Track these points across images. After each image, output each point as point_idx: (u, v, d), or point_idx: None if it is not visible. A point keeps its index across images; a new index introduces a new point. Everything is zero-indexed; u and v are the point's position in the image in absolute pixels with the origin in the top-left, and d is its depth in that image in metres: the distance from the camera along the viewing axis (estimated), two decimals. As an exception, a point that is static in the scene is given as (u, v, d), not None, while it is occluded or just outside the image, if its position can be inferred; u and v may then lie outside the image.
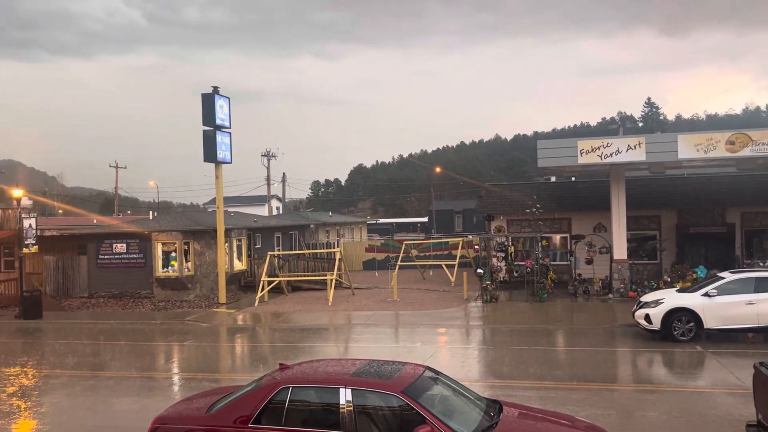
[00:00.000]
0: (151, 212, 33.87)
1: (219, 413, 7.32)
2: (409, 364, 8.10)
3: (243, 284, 30.42)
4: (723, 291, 16.10)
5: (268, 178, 61.53)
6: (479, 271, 25.83)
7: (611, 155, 22.24)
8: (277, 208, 74.50)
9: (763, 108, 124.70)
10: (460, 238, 32.08)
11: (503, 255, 27.63)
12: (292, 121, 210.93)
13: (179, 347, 18.97)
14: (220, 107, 26.61)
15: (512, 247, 27.54)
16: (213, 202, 79.82)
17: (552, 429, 7.26)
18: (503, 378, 13.57)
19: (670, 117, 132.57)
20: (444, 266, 30.33)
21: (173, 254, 27.72)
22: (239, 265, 29.81)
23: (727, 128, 25.34)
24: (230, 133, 27.42)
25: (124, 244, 28.54)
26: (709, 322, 16.03)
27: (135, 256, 28.51)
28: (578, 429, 7.28)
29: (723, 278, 16.67)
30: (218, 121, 26.44)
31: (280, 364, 8.12)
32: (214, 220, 28.52)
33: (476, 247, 30.99)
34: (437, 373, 8.02)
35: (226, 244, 27.63)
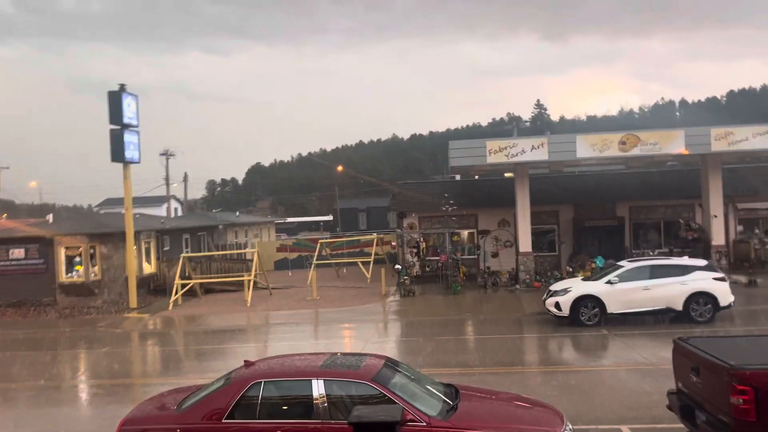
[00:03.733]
0: (50, 215, 31.95)
1: (191, 411, 7.45)
2: (369, 355, 8.58)
3: (153, 288, 29.51)
4: (623, 278, 17.72)
5: (167, 178, 59.45)
6: (397, 266, 26.65)
7: (517, 155, 23.70)
8: (176, 209, 72.08)
9: (636, 110, 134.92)
10: (374, 236, 32.80)
11: (416, 251, 28.62)
12: (182, 118, 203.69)
13: (97, 355, 18.30)
14: (128, 105, 25.74)
15: (424, 243, 28.59)
16: (106, 203, 76.18)
17: (504, 406, 8.01)
18: (429, 366, 14.28)
19: (554, 118, 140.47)
20: (360, 263, 30.92)
21: (78, 259, 26.47)
22: (149, 269, 28.92)
23: (606, 129, 27.54)
24: (138, 131, 26.58)
25: (23, 249, 26.86)
26: (612, 307, 17.60)
27: (35, 261, 26.90)
28: (526, 404, 8.07)
29: (622, 267, 18.34)
30: (126, 120, 25.58)
31: (246, 361, 8.34)
32: (118, 223, 27.49)
33: (393, 244, 31.84)
34: (396, 362, 8.55)
35: (135, 247, 26.75)
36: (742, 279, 23.04)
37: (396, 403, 6.91)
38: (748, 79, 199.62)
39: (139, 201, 69.38)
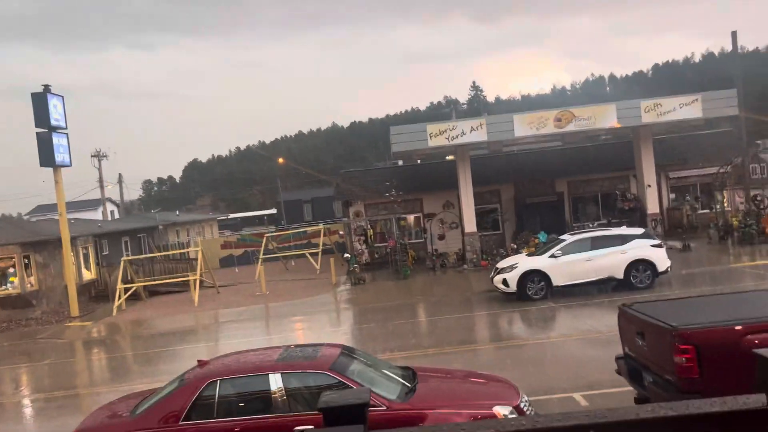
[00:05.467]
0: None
1: (146, 415, 7.28)
2: (325, 345, 8.56)
3: (94, 294, 28.56)
4: (566, 251, 18.24)
5: (101, 180, 57.45)
6: (346, 255, 26.63)
7: (457, 137, 23.98)
8: (112, 212, 69.82)
9: (568, 87, 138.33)
10: (321, 226, 32.63)
11: (364, 238, 28.66)
12: (112, 118, 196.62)
13: (39, 367, 17.60)
14: (54, 107, 24.68)
15: (371, 230, 28.65)
16: (38, 210, 73.03)
17: (461, 383, 8.14)
18: (385, 351, 14.38)
19: (491, 99, 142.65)
20: (308, 255, 30.74)
21: (12, 270, 25.33)
22: (89, 275, 27.98)
23: (540, 107, 28.17)
24: (67, 134, 25.55)
25: (-50, 264, 25.52)
26: (557, 280, 18.10)
27: (-36, 276, 25.62)
28: (482, 379, 8.23)
29: (564, 240, 18.87)
30: (53, 122, 24.53)
31: (199, 361, 8.18)
32: (52, 229, 26.43)
33: (340, 233, 31.77)
34: (352, 349, 8.56)
35: (73, 254, 25.80)
36: (677, 244, 24.05)
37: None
38: (671, 53, 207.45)
39: (73, 206, 66.82)
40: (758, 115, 36.23)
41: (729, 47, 32.01)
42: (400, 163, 36.56)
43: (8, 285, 25.37)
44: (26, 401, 14.06)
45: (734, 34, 26.44)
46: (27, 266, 25.53)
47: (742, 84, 24.93)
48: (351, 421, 1.77)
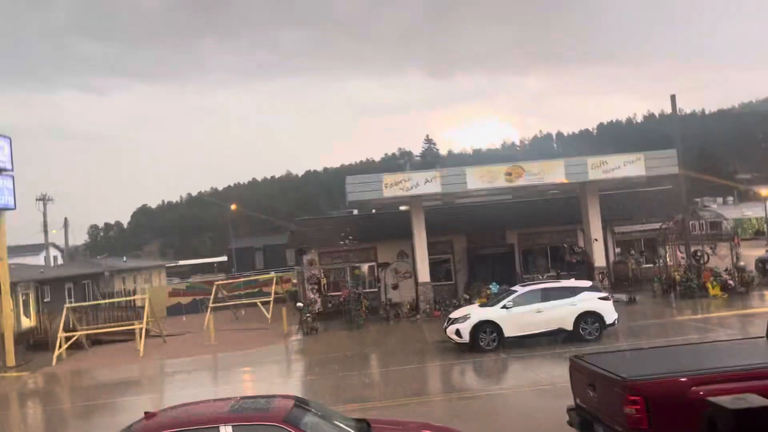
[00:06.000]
0: None
1: (88, 472, 6.95)
2: (277, 397, 8.40)
3: (33, 343, 27.29)
4: (517, 303, 18.47)
5: (45, 225, 55.70)
6: (299, 304, 26.30)
7: (412, 188, 24.36)
8: (55, 257, 67.45)
9: (517, 143, 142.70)
10: (273, 275, 32.22)
11: (317, 287, 28.43)
12: (59, 161, 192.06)
13: (-30, 421, 16.61)
14: (0, 148, 24.03)
15: (325, 279, 28.46)
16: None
17: (418, 436, 8.07)
18: (337, 403, 14.13)
19: (443, 152, 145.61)
20: (259, 304, 30.21)
21: (-56, 316, 24.04)
22: (28, 322, 26.82)
23: (490, 162, 28.86)
24: (13, 176, 24.82)
25: None
26: (509, 331, 18.24)
27: None
28: (436, 431, 8.19)
29: (515, 291, 19.14)
30: (-2, 164, 23.84)
31: (146, 413, 7.89)
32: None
33: (293, 281, 31.43)
34: (305, 401, 8.42)
35: (12, 300, 24.71)
36: (623, 297, 24.67)
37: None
38: (614, 113, 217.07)
39: (14, 250, 64.31)
40: (697, 173, 38.04)
41: (669, 109, 33.77)
42: (356, 212, 36.72)
43: (-61, 333, 24.04)
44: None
45: (673, 98, 27.95)
46: (-39, 313, 24.29)
47: (681, 144, 26.24)
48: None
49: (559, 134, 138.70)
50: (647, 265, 30.09)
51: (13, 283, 25.17)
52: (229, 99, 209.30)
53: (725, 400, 1.52)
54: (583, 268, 27.01)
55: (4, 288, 23.88)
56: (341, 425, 7.83)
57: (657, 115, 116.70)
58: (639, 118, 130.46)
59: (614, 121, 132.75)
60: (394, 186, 24.16)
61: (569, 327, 18.09)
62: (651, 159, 24.99)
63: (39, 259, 57.10)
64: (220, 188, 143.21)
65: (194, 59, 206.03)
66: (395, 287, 28.11)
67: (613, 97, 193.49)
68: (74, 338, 25.16)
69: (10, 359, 23.79)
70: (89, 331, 26.77)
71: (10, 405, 18.59)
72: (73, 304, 27.26)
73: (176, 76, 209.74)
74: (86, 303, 31.08)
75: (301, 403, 8.03)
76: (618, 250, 31.86)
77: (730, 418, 1.46)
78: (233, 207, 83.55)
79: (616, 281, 29.27)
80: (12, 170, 24.79)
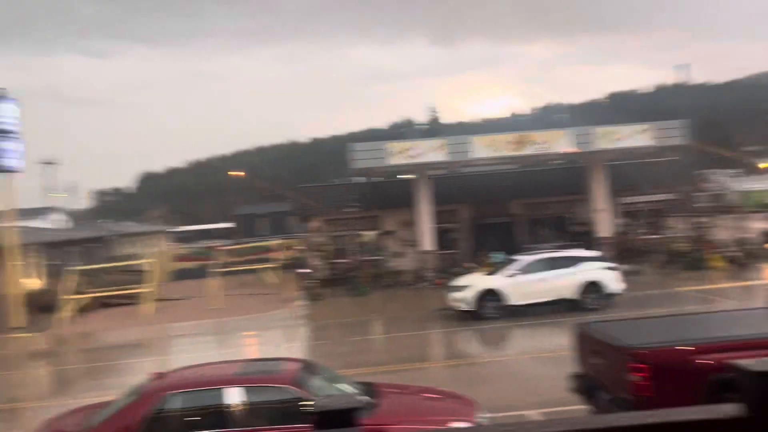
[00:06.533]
0: None
1: (99, 429, 7.08)
2: (286, 359, 8.51)
3: (41, 305, 27.53)
4: (521, 272, 18.56)
5: (50, 188, 55.79)
6: (304, 271, 26.45)
7: (417, 156, 24.25)
8: (61, 221, 67.73)
9: (525, 112, 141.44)
10: (278, 241, 32.35)
11: (322, 254, 28.54)
12: (62, 125, 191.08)
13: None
14: (7, 110, 23.94)
15: (329, 246, 28.56)
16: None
17: (422, 399, 8.20)
18: (342, 367, 14.27)
19: (449, 120, 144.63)
20: (264, 269, 30.38)
21: (-48, 277, 24.29)
22: (35, 285, 27.01)
23: (497, 131, 28.62)
24: (20, 138, 24.78)
25: None
26: (513, 299, 18.36)
27: None
28: (442, 395, 8.30)
29: (520, 261, 19.21)
30: (5, 126, 23.78)
31: (155, 373, 8.02)
32: (-2, 237, 25.47)
33: (298, 248, 31.57)
34: (313, 364, 8.53)
35: (19, 262, 24.90)
36: (627, 268, 24.71)
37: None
38: (623, 83, 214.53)
39: (21, 213, 64.67)
40: (705, 145, 37.75)
41: (679, 80, 33.37)
42: (360, 180, 36.62)
43: (-52, 293, 24.30)
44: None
45: (684, 68, 27.65)
46: (-32, 274, 24.53)
47: (691, 115, 26.01)
48: (344, 424, 1.81)
49: (568, 104, 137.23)
50: (652, 236, 30.09)
51: (21, 245, 25.32)
52: (233, 64, 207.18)
53: (749, 363, 1.52)
54: (587, 238, 27.02)
55: (11, 250, 24.04)
56: (348, 388, 7.95)
57: (667, 86, 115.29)
58: (649, 89, 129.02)
59: (624, 91, 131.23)
60: (400, 154, 24.07)
61: (573, 296, 18.19)
62: (659, 130, 24.79)
63: (44, 223, 57.42)
64: (227, 154, 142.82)
65: (197, 23, 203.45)
66: (399, 255, 28.21)
67: (622, 67, 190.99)
68: (81, 301, 25.41)
69: (18, 320, 24.07)
70: (96, 294, 27.01)
71: (18, 365, 18.87)
72: (80, 267, 27.43)
73: (179, 40, 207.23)
74: (92, 266, 31.29)
75: (308, 366, 8.14)
76: (623, 220, 31.82)
77: (755, 380, 1.46)
78: (238, 173, 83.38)
79: (620, 252, 29.27)
80: (19, 133, 24.73)
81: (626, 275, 23.40)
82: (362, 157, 24.21)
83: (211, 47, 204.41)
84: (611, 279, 18.38)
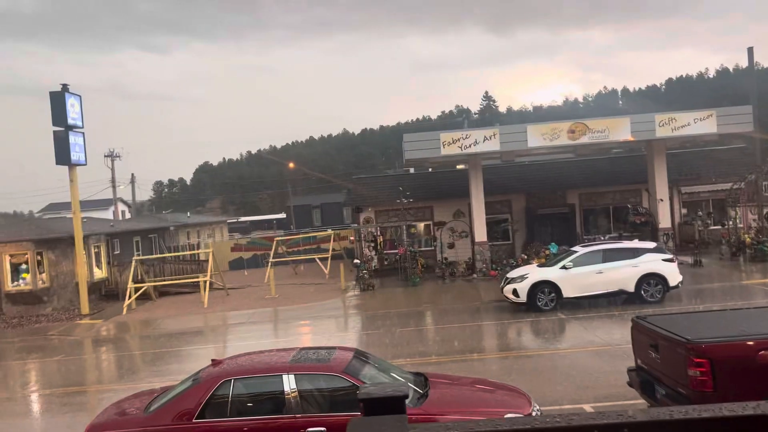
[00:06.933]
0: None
1: (160, 413, 7.33)
2: (338, 348, 8.60)
3: (105, 293, 28.74)
4: (577, 263, 18.20)
5: (113, 181, 57.86)
6: (356, 261, 26.66)
7: (470, 146, 24.00)
8: (123, 212, 70.25)
9: (580, 100, 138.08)
10: (331, 232, 32.70)
11: (374, 245, 28.69)
12: (123, 119, 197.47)
13: (50, 363, 17.73)
14: (71, 106, 24.94)
15: (381, 237, 28.68)
16: (50, 208, 73.66)
17: (473, 390, 8.15)
18: (393, 357, 14.38)
19: (503, 109, 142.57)
20: (317, 260, 30.79)
21: (24, 266, 25.55)
22: (99, 273, 28.15)
23: (552, 119, 28.09)
24: (83, 133, 25.80)
25: (-37, 260, 25.77)
26: (567, 292, 18.05)
27: (-23, 271, 25.84)
28: (494, 387, 8.24)
29: (575, 252, 18.83)
30: (70, 121, 24.79)
31: (213, 360, 8.24)
32: (65, 227, 26.63)
33: (351, 239, 31.83)
34: (365, 353, 8.59)
35: (85, 252, 26.00)
36: (688, 260, 23.94)
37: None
38: (683, 68, 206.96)
39: (85, 205, 67.33)
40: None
41: (744, 63, 31.92)
42: (412, 170, 36.61)
43: (20, 281, 25.59)
44: (36, 397, 14.16)
45: (750, 51, 26.38)
46: (39, 263, 25.75)
47: (757, 100, 24.84)
48: (391, 411, 1.82)
49: (625, 90, 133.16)
50: (715, 227, 29.01)
51: (86, 236, 26.41)
52: (287, 57, 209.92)
53: None
54: (646, 229, 26.25)
55: (77, 240, 25.10)
56: (399, 377, 7.98)
57: (731, 70, 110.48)
58: (711, 73, 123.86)
59: (684, 76, 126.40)
60: (452, 144, 23.88)
61: (630, 288, 17.74)
62: (723, 116, 23.80)
63: (107, 214, 59.64)
64: (278, 146, 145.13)
65: (253, 17, 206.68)
66: (451, 246, 28.09)
67: (683, 51, 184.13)
68: (142, 289, 26.34)
69: (85, 307, 25.14)
70: (156, 283, 27.95)
71: (85, 349, 19.72)
72: (141, 257, 28.44)
73: (235, 34, 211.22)
74: (153, 256, 32.37)
75: (360, 355, 8.21)
76: (685, 211, 30.79)
77: None
78: (291, 165, 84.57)
79: (681, 243, 28.38)
80: (82, 127, 25.73)
81: (689, 267, 22.71)
82: (414, 148, 24.14)
83: (266, 41, 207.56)
84: (671, 271, 17.82)
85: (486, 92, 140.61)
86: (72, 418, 11.72)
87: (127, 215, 66.05)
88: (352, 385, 7.10)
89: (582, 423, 1.84)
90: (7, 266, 25.44)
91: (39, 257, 25.72)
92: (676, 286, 17.91)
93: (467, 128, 27.84)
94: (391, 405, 1.87)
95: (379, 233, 29.13)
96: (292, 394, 7.12)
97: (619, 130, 23.68)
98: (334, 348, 8.62)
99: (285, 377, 7.25)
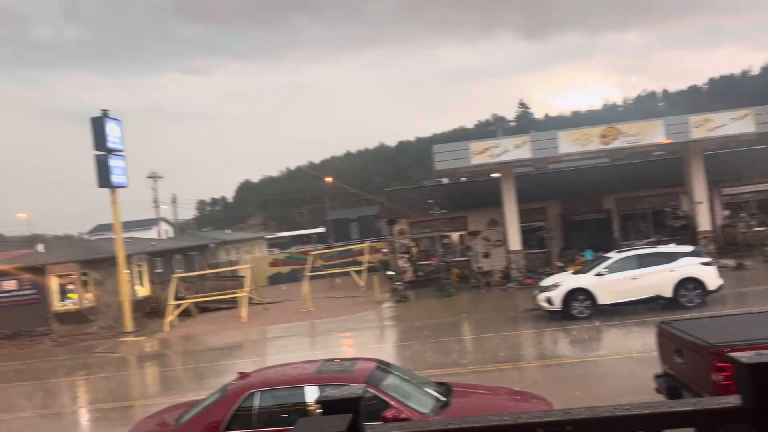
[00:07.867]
0: (40, 245, 31.97)
1: (189, 425, 7.58)
2: (361, 359, 8.74)
3: (148, 310, 29.51)
4: (612, 269, 17.93)
5: (156, 201, 59.44)
6: (390, 273, 26.80)
7: (500, 155, 23.97)
8: (166, 231, 71.96)
9: (619, 103, 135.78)
10: (366, 245, 32.93)
11: (408, 256, 28.78)
12: (165, 140, 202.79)
13: (96, 380, 18.33)
14: (111, 130, 25.85)
15: (415, 248, 28.75)
16: (97, 229, 75.95)
17: (497, 399, 8.17)
18: (428, 368, 14.43)
19: (539, 116, 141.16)
20: (353, 273, 31.02)
21: (71, 286, 26.47)
22: (142, 291, 28.96)
23: (590, 124, 27.71)
24: (124, 156, 26.68)
25: (15, 281, 26.86)
26: (603, 299, 17.79)
27: (27, 292, 26.90)
28: (519, 396, 8.24)
29: (610, 258, 18.56)
30: (110, 145, 25.70)
31: (240, 373, 8.47)
32: (109, 248, 27.50)
33: (384, 251, 32.02)
34: (388, 364, 8.70)
35: (128, 271, 26.79)
36: (730, 263, 23.32)
37: (387, 401, 7.09)
38: (727, 66, 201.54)
39: (130, 225, 69.21)
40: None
41: (784, 59, 31.01)
42: (445, 181, 36.61)
43: (67, 301, 26.50)
44: (83, 411, 14.65)
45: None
46: (85, 283, 26.64)
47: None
48: (344, 411, 1.95)
49: (665, 92, 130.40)
50: (759, 229, 28.17)
51: (128, 255, 27.22)
52: (322, 73, 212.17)
53: (742, 356, 1.44)
54: (686, 232, 25.69)
55: (120, 260, 25.90)
56: (422, 387, 8.06)
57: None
58: (756, 70, 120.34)
59: (727, 75, 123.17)
60: (482, 153, 23.87)
61: (668, 294, 17.39)
62: (762, 114, 23.20)
63: (152, 233, 61.23)
64: (316, 161, 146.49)
65: (286, 35, 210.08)
66: (486, 255, 27.98)
67: (725, 49, 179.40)
68: (183, 306, 26.97)
69: (128, 325, 25.88)
70: (196, 300, 28.58)
71: (130, 366, 20.31)
72: (182, 275, 29.15)
73: (271, 53, 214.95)
74: (194, 273, 33.11)
75: (383, 366, 8.32)
76: (726, 212, 30.00)
77: (747, 372, 1.41)
78: (329, 180, 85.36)
79: (723, 246, 27.65)
80: (123, 150, 26.63)
81: (731, 270, 22.12)
82: (444, 158, 24.21)
83: (301, 58, 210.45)
84: (710, 275, 17.41)
85: (521, 100, 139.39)
86: (115, 430, 12.10)
87: (171, 234, 67.68)
88: (373, 395, 7.22)
89: (528, 420, 1.94)
90: (55, 287, 26.38)
91: (84, 277, 26.62)
92: (716, 290, 17.48)
93: (498, 137, 27.77)
94: (344, 406, 1.99)
95: (413, 244, 29.21)
96: (316, 405, 7.27)
97: (653, 133, 23.31)
98: (357, 359, 8.77)
99: (308, 388, 7.42)
